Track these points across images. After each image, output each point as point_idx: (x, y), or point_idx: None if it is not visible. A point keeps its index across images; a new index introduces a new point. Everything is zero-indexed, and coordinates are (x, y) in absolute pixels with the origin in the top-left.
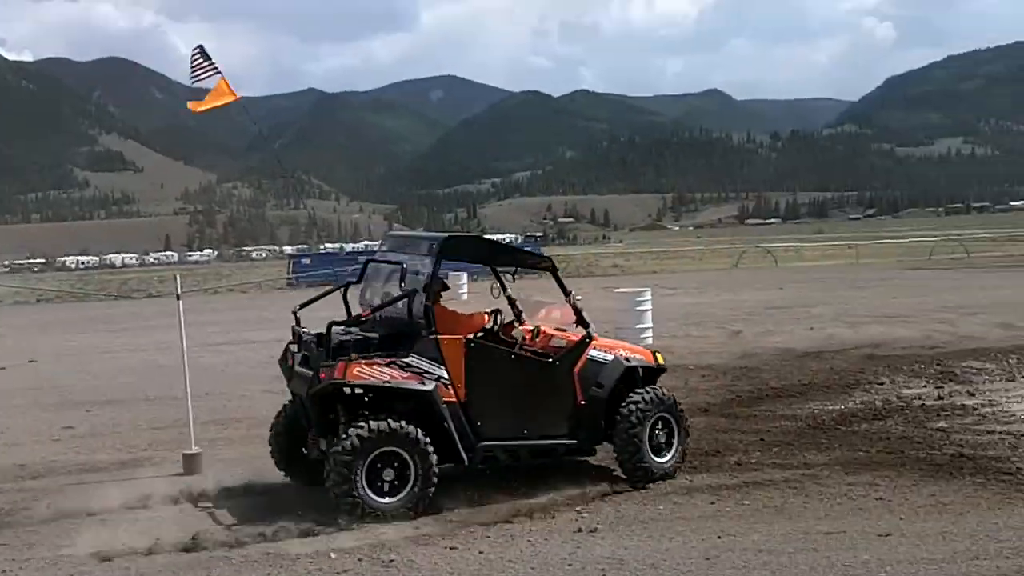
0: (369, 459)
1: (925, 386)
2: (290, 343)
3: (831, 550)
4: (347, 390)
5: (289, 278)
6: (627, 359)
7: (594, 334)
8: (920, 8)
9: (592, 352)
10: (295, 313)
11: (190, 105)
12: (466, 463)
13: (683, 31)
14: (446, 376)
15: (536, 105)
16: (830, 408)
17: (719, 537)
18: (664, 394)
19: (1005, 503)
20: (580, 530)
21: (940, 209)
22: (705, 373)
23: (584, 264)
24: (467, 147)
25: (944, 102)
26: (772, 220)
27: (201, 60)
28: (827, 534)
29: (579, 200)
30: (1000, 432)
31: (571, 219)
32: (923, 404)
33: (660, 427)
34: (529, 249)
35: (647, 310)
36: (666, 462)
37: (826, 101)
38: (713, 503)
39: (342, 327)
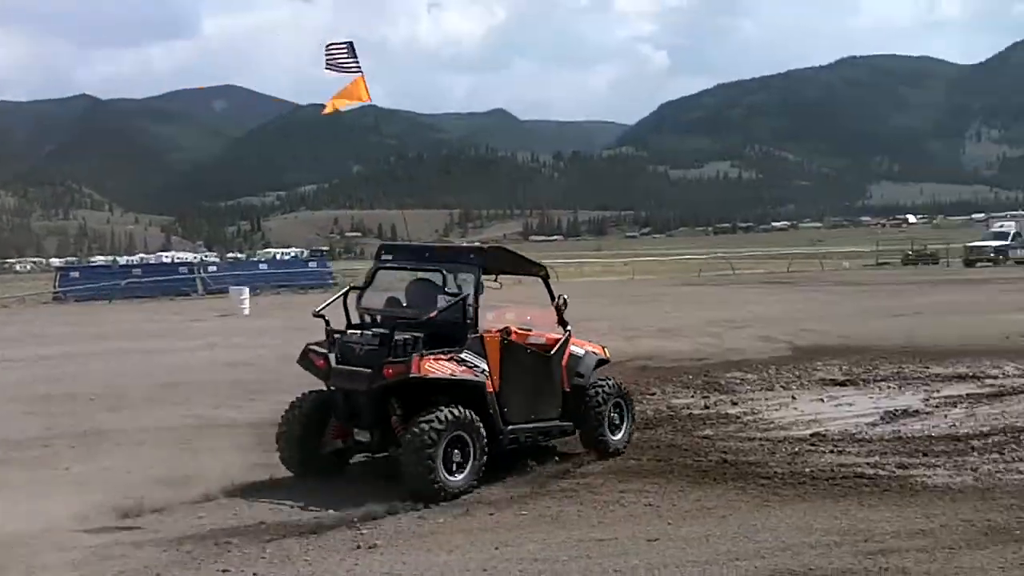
0: (445, 444)
1: (693, 396)
2: (310, 345)
3: (603, 556)
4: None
5: (56, 292)
6: (595, 353)
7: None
8: (692, 38)
9: (572, 347)
10: (317, 315)
11: (329, 105)
12: (500, 446)
13: (469, 51)
14: (487, 369)
15: (323, 118)
16: None
17: (497, 548)
18: (620, 383)
19: (763, 506)
20: (359, 547)
21: (709, 228)
22: None
23: None
24: (252, 159)
25: (713, 128)
26: (555, 237)
27: (347, 56)
28: (600, 541)
29: (366, 215)
30: (760, 439)
31: (358, 233)
32: (691, 413)
33: (615, 410)
34: (529, 258)
35: None
36: (619, 439)
37: (605, 124)
38: (492, 515)
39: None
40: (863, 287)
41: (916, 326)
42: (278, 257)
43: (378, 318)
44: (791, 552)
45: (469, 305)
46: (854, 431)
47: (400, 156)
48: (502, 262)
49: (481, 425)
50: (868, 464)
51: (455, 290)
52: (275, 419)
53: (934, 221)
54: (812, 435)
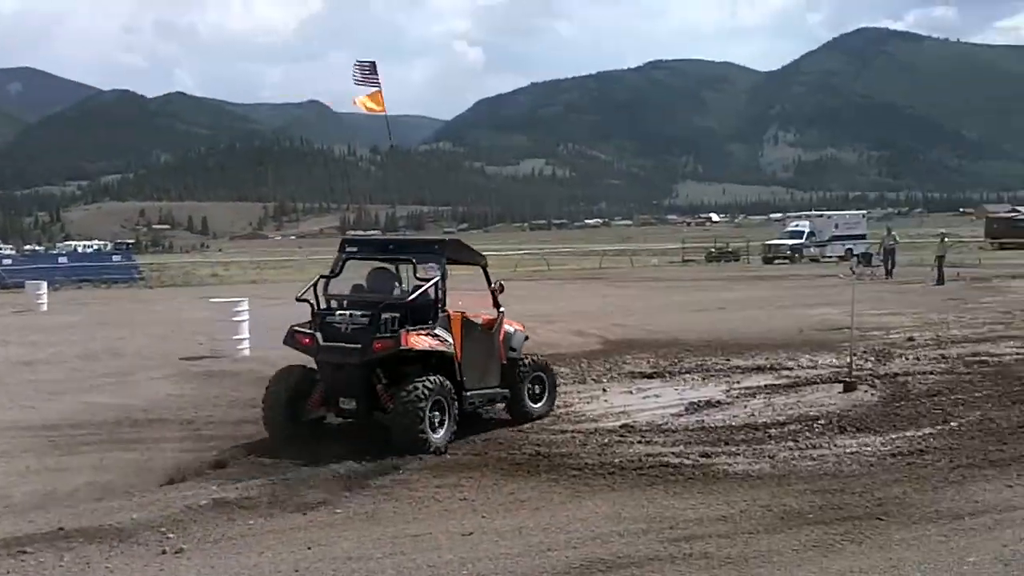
0: (430, 405)
1: None
2: (295, 326)
3: (417, 552)
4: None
5: None
6: (520, 331)
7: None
8: (506, 36)
9: (505, 326)
10: (300, 300)
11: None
12: (462, 408)
13: (283, 40)
14: (452, 342)
15: (128, 105)
16: None
17: (309, 548)
18: (540, 359)
19: (574, 497)
20: (165, 552)
21: (525, 225)
22: None
23: (181, 273)
24: (50, 146)
25: (528, 125)
26: (373, 232)
27: (371, 73)
28: (414, 537)
29: (175, 207)
30: (572, 431)
31: (167, 226)
32: None
33: (536, 383)
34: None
35: (244, 320)
36: (539, 407)
37: (421, 119)
38: (304, 514)
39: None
40: (670, 283)
41: (719, 320)
42: (79, 250)
43: (344, 303)
44: (600, 541)
45: (439, 289)
46: (661, 422)
47: (211, 146)
48: (458, 253)
49: (453, 391)
50: (673, 454)
51: (415, 278)
52: (76, 420)
53: (736, 220)
54: (621, 426)
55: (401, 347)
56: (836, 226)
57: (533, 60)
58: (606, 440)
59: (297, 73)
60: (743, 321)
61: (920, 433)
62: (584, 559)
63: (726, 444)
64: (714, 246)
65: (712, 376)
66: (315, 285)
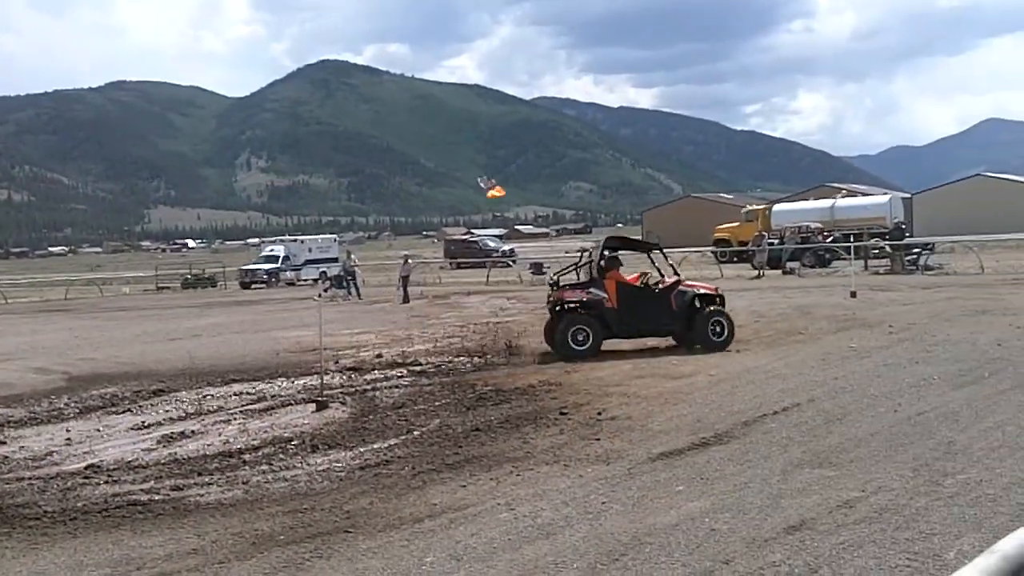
0: (571, 329)
1: None
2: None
3: None
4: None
5: None
6: (696, 288)
7: (682, 277)
8: None
9: (680, 287)
10: (555, 276)
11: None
12: (617, 336)
13: None
14: (606, 296)
15: None
16: None
17: None
18: (720, 305)
19: (31, 549)
20: None
21: None
22: None
23: None
24: None
25: None
26: None
27: (494, 183)
28: None
29: None
30: (30, 477)
31: None
32: None
33: (715, 322)
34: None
35: None
36: (722, 340)
37: None
38: None
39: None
40: (144, 312)
41: (194, 348)
42: None
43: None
44: None
45: (594, 263)
46: (131, 458)
47: None
48: (620, 243)
49: (595, 323)
50: (143, 490)
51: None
52: None
53: (212, 246)
54: (87, 467)
55: (559, 298)
56: (310, 250)
57: None
58: (68, 484)
59: None
60: (219, 347)
61: (386, 444)
62: None
63: (199, 475)
64: (190, 273)
65: (185, 406)
66: (579, 264)
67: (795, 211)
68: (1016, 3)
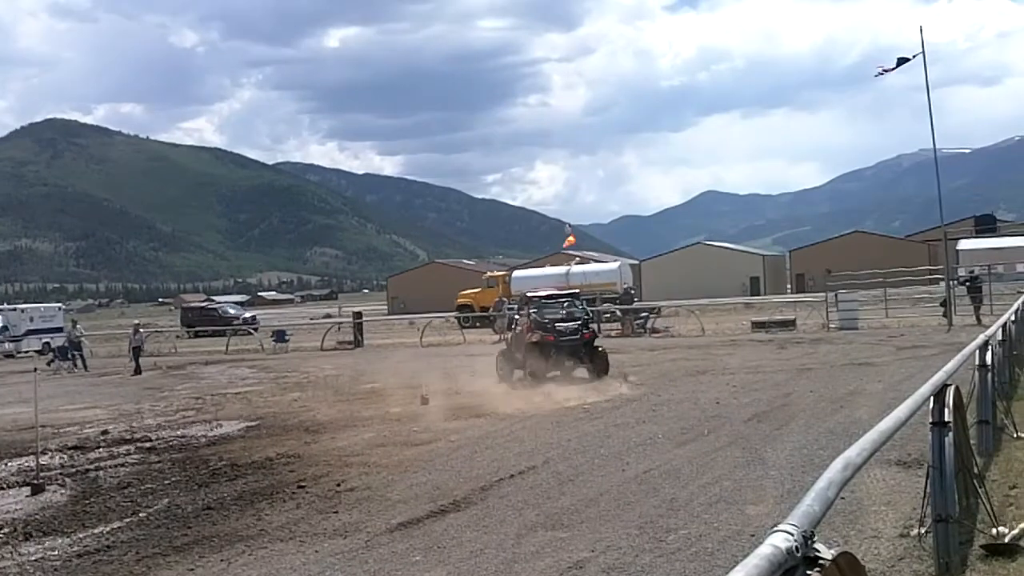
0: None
1: None
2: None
3: None
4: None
5: None
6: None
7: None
8: None
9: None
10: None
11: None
12: None
13: None
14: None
15: None
16: None
17: None
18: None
19: None
20: None
21: None
22: None
23: None
24: None
25: None
26: None
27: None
28: None
29: None
30: None
31: None
32: None
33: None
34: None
35: None
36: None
37: None
38: None
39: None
40: None
41: None
42: None
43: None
44: None
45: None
46: None
47: None
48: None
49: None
50: None
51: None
52: None
53: None
54: None
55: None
56: (32, 319)
57: None
58: None
59: None
60: None
61: (109, 528)
62: None
63: None
64: None
65: None
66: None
67: (533, 277)
68: (727, 85)
